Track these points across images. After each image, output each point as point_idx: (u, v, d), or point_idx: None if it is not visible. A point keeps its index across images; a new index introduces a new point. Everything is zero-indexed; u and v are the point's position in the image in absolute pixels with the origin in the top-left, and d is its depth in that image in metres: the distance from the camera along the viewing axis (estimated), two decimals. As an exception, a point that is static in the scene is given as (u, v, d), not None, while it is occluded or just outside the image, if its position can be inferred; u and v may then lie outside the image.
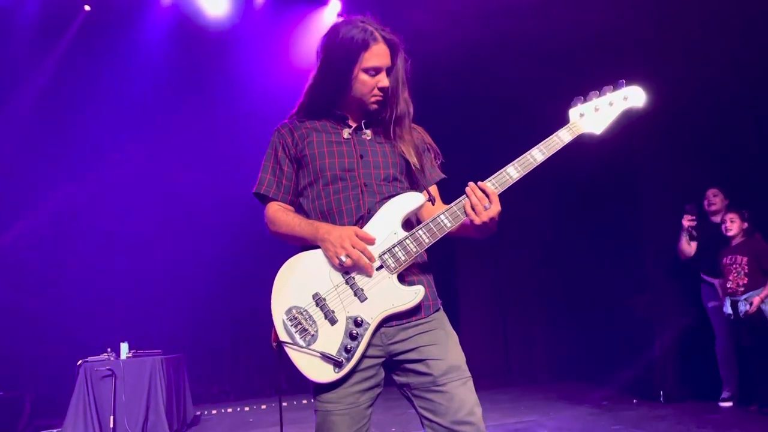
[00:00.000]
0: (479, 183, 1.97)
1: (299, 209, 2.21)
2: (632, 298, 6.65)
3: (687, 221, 5.76)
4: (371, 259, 1.97)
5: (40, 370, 7.07)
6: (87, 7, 7.66)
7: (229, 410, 7.25)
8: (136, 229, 7.68)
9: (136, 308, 7.46)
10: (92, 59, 7.63)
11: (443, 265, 7.79)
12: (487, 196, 1.95)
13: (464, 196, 2.01)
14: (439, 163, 2.32)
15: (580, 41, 6.49)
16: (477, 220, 1.94)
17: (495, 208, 1.94)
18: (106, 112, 7.65)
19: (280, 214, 2.15)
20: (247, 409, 7.28)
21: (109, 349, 5.77)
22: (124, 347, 5.82)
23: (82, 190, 7.43)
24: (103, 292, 7.38)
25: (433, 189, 2.25)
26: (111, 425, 5.33)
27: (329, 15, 7.82)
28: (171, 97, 7.89)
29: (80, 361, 5.54)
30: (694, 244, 5.81)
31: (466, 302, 7.51)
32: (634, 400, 6.17)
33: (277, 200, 2.20)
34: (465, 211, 1.96)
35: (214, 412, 7.26)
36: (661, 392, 5.97)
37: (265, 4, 7.73)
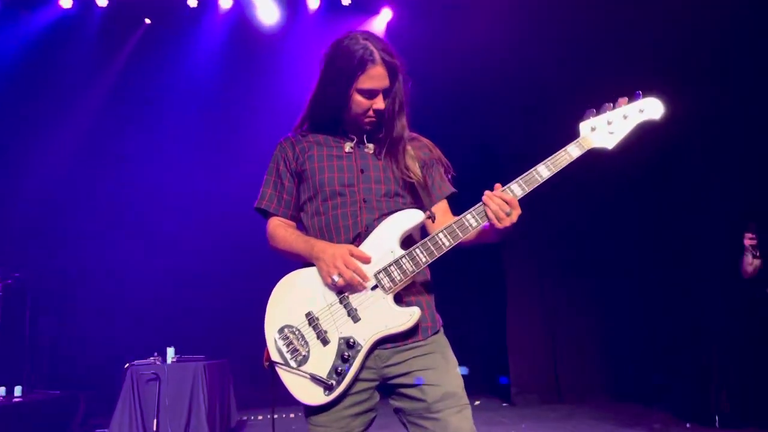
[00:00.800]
0: (497, 192, 1.89)
1: (300, 224, 2.17)
2: (691, 314, 6.31)
3: (748, 240, 5.40)
4: (365, 278, 1.90)
5: (95, 371, 7.30)
6: (147, 20, 7.91)
7: (275, 416, 7.28)
8: (189, 233, 7.84)
9: (186, 312, 7.59)
10: (150, 69, 7.87)
11: (491, 276, 7.62)
12: (507, 202, 1.87)
13: (464, 214, 1.92)
14: (450, 176, 2.23)
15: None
16: (499, 225, 1.87)
17: (516, 214, 1.87)
18: (162, 119, 7.86)
19: (279, 230, 2.12)
20: (292, 416, 7.31)
21: (155, 353, 5.90)
22: (170, 351, 5.94)
23: (136, 194, 7.64)
24: (156, 295, 7.57)
25: (443, 204, 2.16)
26: (154, 428, 5.44)
27: (380, 23, 7.81)
28: (225, 104, 8.05)
29: (127, 365, 5.68)
30: (757, 262, 5.45)
31: (513, 313, 7.30)
32: (688, 425, 5.83)
33: (277, 215, 2.16)
34: (488, 218, 1.89)
35: (260, 417, 7.33)
36: (716, 416, 5.62)
37: (316, 13, 7.79)
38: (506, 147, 7.29)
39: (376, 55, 2.00)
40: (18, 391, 6.17)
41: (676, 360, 6.53)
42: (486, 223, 1.92)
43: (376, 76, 2.01)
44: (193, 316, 7.72)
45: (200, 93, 7.96)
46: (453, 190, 2.18)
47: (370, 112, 2.05)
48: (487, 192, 1.89)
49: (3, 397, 6.06)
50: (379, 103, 2.04)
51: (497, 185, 1.91)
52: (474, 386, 7.61)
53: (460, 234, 1.91)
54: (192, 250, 7.63)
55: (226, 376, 6.35)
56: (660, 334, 6.84)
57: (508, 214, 1.85)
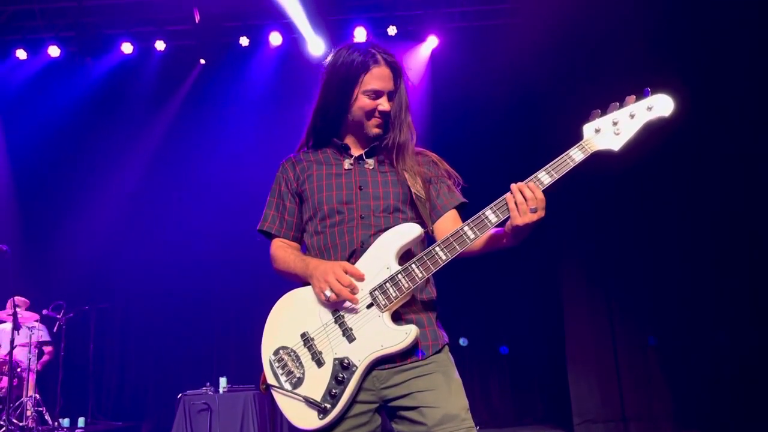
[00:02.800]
0: (530, 184, 1.80)
1: (304, 246, 2.13)
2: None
3: None
4: (356, 291, 1.83)
5: (157, 401, 7.45)
6: (202, 61, 8.21)
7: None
8: (248, 267, 7.92)
9: (241, 341, 7.62)
10: (206, 107, 8.13)
11: (547, 298, 7.34)
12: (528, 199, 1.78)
13: (461, 226, 1.83)
14: (459, 187, 2.14)
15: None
16: (519, 220, 1.77)
17: (541, 213, 1.77)
18: (216, 154, 8.06)
19: (280, 252, 2.08)
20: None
21: (208, 383, 5.97)
22: (222, 381, 6.00)
23: (191, 228, 7.80)
24: (215, 324, 7.67)
25: (453, 214, 2.07)
26: (206, 458, 5.47)
27: (425, 51, 7.84)
28: (277, 136, 8.18)
29: (180, 395, 5.77)
30: None
31: (572, 335, 6.97)
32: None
33: (279, 236, 2.13)
34: (509, 209, 1.79)
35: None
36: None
37: (364, 43, 7.88)
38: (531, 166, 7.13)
39: (379, 56, 2.00)
40: (81, 422, 6.36)
41: (752, 389, 6.06)
42: (491, 230, 1.84)
43: (380, 77, 1.99)
44: (250, 346, 7.77)
45: (253, 127, 8.15)
46: (462, 200, 2.09)
47: (376, 114, 2.01)
48: (518, 184, 1.79)
49: (67, 428, 6.26)
50: (384, 104, 2.01)
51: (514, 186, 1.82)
52: (532, 414, 7.38)
53: (457, 247, 1.82)
54: (246, 282, 7.72)
55: (276, 405, 6.33)
56: (728, 360, 6.37)
57: (533, 211, 1.75)
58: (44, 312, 6.59)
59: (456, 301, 7.49)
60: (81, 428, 6.26)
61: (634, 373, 6.84)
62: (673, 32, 6.50)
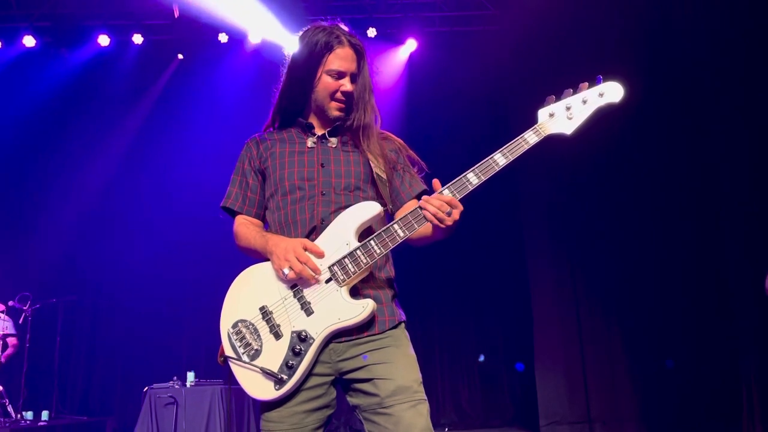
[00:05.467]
0: (434, 195, 1.84)
1: (267, 223, 2.15)
2: (730, 339, 5.98)
3: None
4: (316, 271, 1.86)
5: (124, 396, 7.35)
6: (180, 56, 8.19)
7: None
8: (223, 262, 7.88)
9: (211, 336, 7.57)
10: (183, 101, 8.10)
11: (517, 301, 7.42)
12: (447, 203, 1.81)
13: (418, 205, 1.87)
14: (422, 174, 2.18)
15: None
16: (442, 226, 1.82)
17: (457, 212, 1.82)
18: (189, 150, 8.01)
19: (242, 228, 2.10)
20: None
21: (175, 377, 5.93)
22: (190, 375, 5.95)
23: (165, 222, 7.73)
24: (184, 319, 7.60)
25: (414, 201, 2.09)
26: (171, 452, 5.43)
27: (404, 53, 7.91)
28: (250, 132, 8.18)
29: (146, 388, 5.72)
30: None
31: (541, 338, 7.04)
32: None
33: (242, 213, 2.15)
34: (428, 221, 1.83)
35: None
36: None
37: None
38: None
39: (343, 37, 2.03)
40: (45, 415, 6.26)
41: (717, 391, 6.18)
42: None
43: (343, 57, 2.02)
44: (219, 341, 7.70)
45: (228, 123, 8.13)
46: (424, 187, 2.13)
47: (338, 95, 2.04)
48: (424, 197, 1.85)
49: (30, 420, 6.17)
50: (347, 85, 2.04)
51: (436, 182, 1.86)
52: (501, 416, 7.43)
53: (415, 225, 1.86)
54: (216, 276, 7.65)
55: (245, 401, 6.30)
56: (696, 362, 6.48)
57: (449, 214, 1.80)
58: (10, 303, 6.50)
59: (424, 302, 7.57)
60: (44, 422, 6.16)
61: (600, 376, 6.93)
62: (645, 31, 6.69)
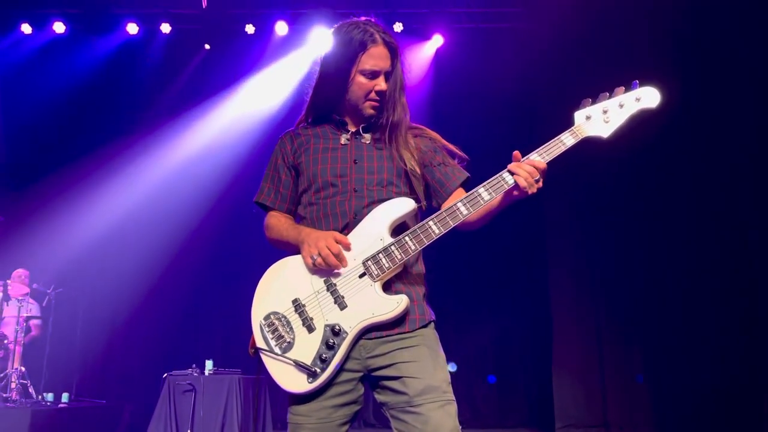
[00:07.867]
0: (525, 160, 1.87)
1: (299, 218, 2.16)
2: (750, 347, 5.92)
3: None
4: (344, 262, 1.87)
5: (144, 381, 7.41)
6: (207, 46, 8.22)
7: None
8: (247, 252, 7.88)
9: (229, 326, 7.57)
10: (208, 91, 8.13)
11: (536, 303, 7.39)
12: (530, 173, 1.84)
13: (455, 202, 1.87)
14: (464, 164, 2.16)
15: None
16: (530, 192, 1.83)
17: (540, 183, 1.85)
18: (217, 141, 8.05)
19: (273, 220, 2.12)
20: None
21: (194, 365, 5.98)
22: (208, 364, 6.01)
23: (188, 212, 7.76)
24: (202, 309, 7.67)
25: (459, 191, 2.08)
26: (188, 439, 5.49)
27: (430, 49, 7.89)
28: (279, 126, 8.21)
29: (165, 374, 5.78)
30: None
31: (560, 341, 7.01)
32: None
33: (274, 208, 2.16)
34: (518, 186, 1.83)
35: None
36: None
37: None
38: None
39: (377, 36, 2.01)
40: (65, 397, 6.34)
41: (733, 397, 6.11)
42: (478, 211, 1.88)
43: (378, 56, 2.01)
44: (237, 332, 7.75)
45: (254, 115, 8.16)
46: (467, 174, 2.12)
47: (373, 94, 2.03)
48: (514, 162, 1.85)
49: (50, 402, 6.25)
50: (381, 84, 2.03)
51: (516, 154, 1.86)
52: (516, 416, 7.41)
53: (450, 222, 1.86)
54: (240, 270, 7.71)
55: (262, 392, 6.35)
56: (710, 369, 6.42)
57: (537, 181, 1.82)
58: (34, 286, 6.59)
59: (445, 301, 7.54)
60: (65, 404, 6.23)
61: (617, 381, 6.90)
62: (677, 35, 6.62)
